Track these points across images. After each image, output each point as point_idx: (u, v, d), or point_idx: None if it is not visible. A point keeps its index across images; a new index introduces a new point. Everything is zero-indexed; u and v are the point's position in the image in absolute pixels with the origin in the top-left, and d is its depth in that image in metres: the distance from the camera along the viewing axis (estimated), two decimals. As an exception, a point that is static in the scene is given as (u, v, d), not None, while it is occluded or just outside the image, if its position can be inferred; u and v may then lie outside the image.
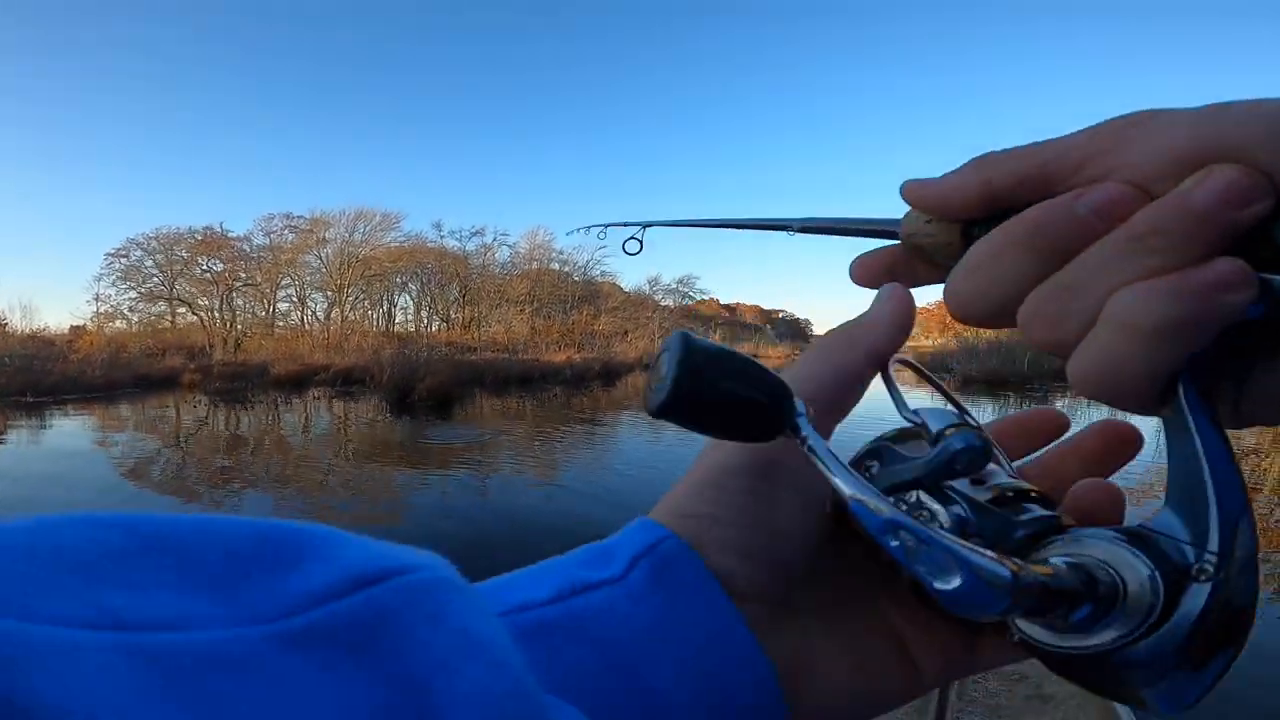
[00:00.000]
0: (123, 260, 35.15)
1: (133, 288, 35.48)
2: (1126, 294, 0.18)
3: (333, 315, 39.51)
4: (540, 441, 9.43)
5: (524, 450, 8.57)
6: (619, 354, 35.93)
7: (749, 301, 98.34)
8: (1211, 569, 0.17)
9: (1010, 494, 0.24)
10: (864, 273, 0.29)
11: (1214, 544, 0.18)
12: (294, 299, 40.66)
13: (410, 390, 14.10)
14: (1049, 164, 0.21)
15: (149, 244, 35.60)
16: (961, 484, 0.24)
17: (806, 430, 0.22)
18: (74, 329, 32.96)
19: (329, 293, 39.80)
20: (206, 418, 12.75)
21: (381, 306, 44.03)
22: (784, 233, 0.39)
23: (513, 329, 41.31)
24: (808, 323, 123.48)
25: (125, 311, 35.61)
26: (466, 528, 5.16)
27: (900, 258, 0.27)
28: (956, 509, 0.23)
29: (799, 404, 0.23)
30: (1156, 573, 0.18)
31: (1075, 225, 0.19)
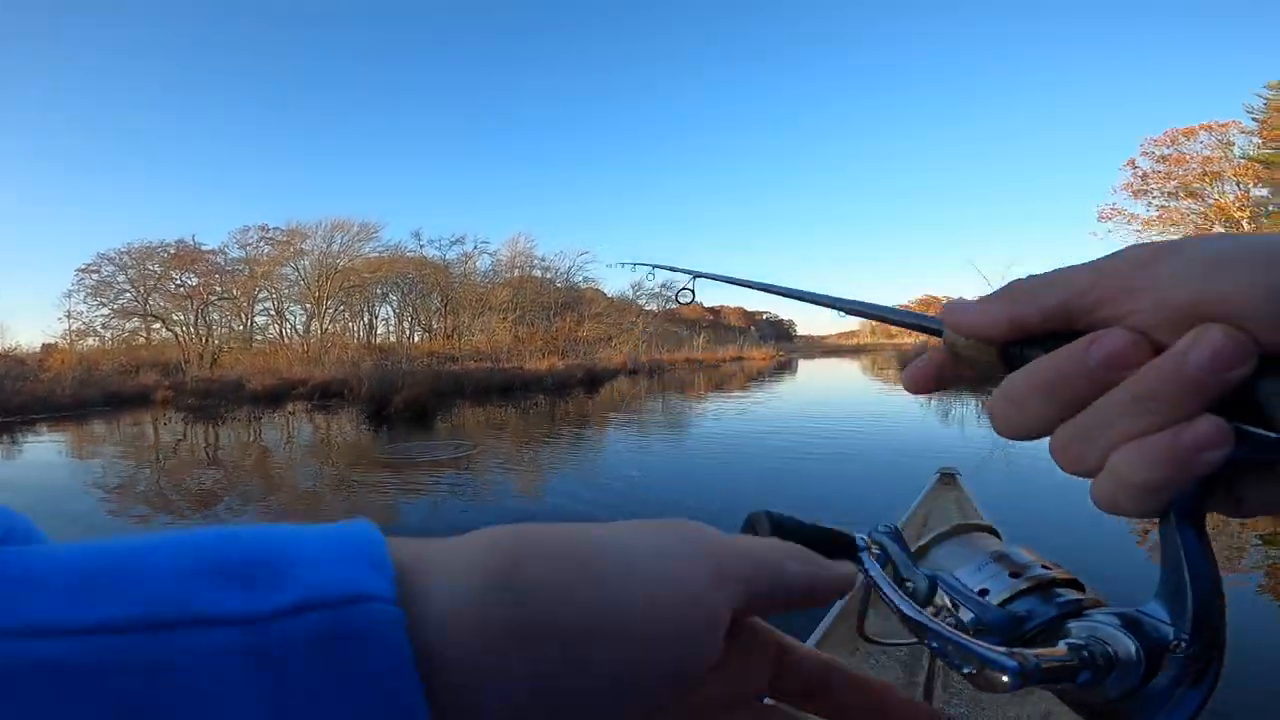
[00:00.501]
0: (94, 276, 34.45)
1: (104, 304, 34.77)
2: (1125, 452, 0.22)
3: (312, 328, 39.08)
4: (521, 451, 9.31)
5: (504, 460, 8.44)
6: (603, 360, 35.83)
7: (733, 304, 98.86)
8: (1185, 644, 0.22)
9: (1045, 582, 0.28)
10: (915, 382, 0.31)
11: (1188, 627, 0.22)
12: (272, 312, 40.12)
13: (387, 403, 13.90)
14: (1069, 302, 0.24)
15: (120, 259, 34.93)
16: (1003, 577, 0.29)
17: (868, 564, 0.30)
18: (46, 347, 32.25)
19: (307, 305, 39.36)
20: (182, 435, 12.47)
21: (362, 318, 43.57)
22: (833, 310, 0.43)
23: (495, 337, 41.02)
24: (791, 324, 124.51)
25: (98, 329, 34.88)
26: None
27: (947, 363, 0.30)
28: (975, 609, 0.29)
29: (860, 540, 0.30)
30: (1141, 649, 0.23)
31: (1088, 375, 0.23)
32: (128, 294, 35.10)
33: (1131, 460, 0.22)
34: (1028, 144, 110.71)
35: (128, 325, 35.49)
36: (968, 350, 0.28)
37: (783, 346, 79.93)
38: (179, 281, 36.09)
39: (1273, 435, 0.21)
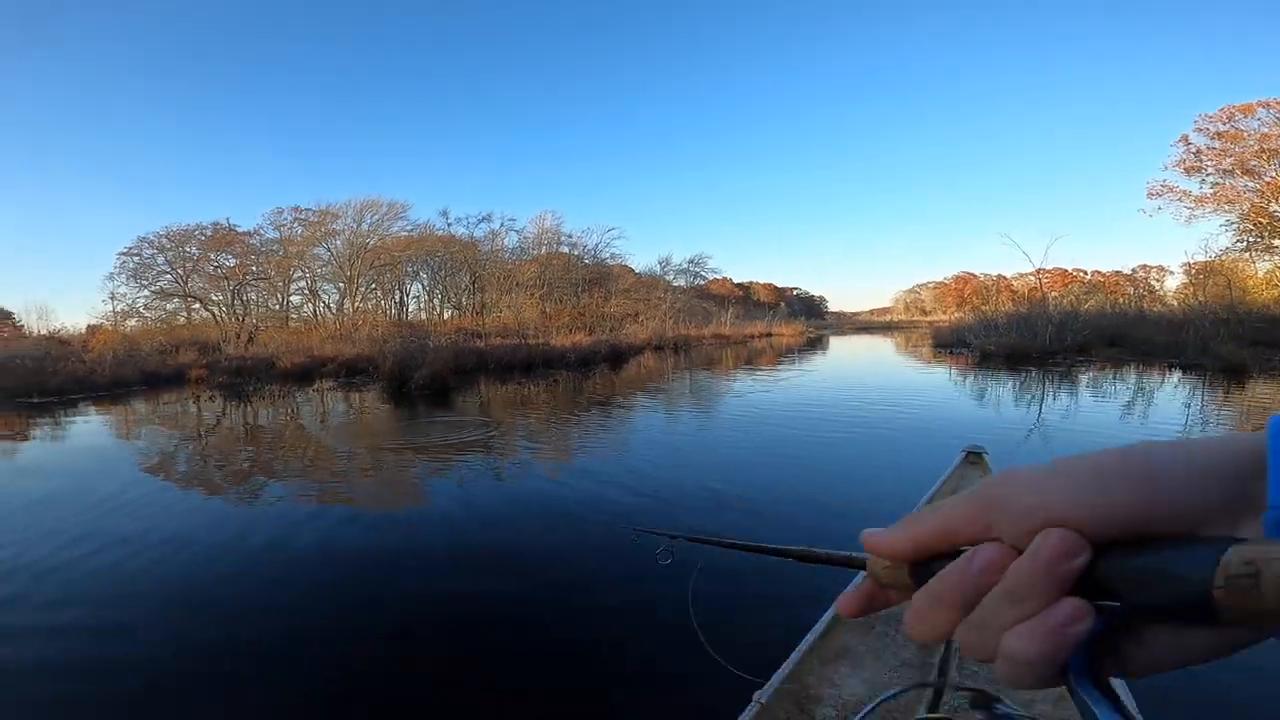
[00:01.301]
0: (135, 259, 35.44)
1: (145, 286, 35.80)
2: (1009, 638, 0.28)
3: (344, 306, 39.65)
4: (541, 426, 9.14)
5: (523, 435, 8.28)
6: (629, 336, 35.58)
7: (762, 280, 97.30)
8: None
9: None
10: (850, 606, 0.37)
11: None
12: (306, 291, 40.91)
13: (408, 380, 13.90)
14: (951, 525, 0.32)
15: (160, 242, 35.86)
16: None
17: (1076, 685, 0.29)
18: (90, 328, 33.36)
19: (340, 284, 39.93)
20: (210, 412, 12.66)
21: (394, 295, 44.11)
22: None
23: (523, 314, 41.05)
24: (823, 299, 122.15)
25: (140, 310, 36.00)
26: (470, 512, 4.92)
27: (874, 590, 0.36)
28: None
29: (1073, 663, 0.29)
30: None
31: (971, 582, 0.29)
32: (167, 276, 36.05)
33: (1016, 643, 0.28)
34: (1073, 118, 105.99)
35: (168, 306, 36.53)
36: (886, 575, 0.35)
37: (814, 323, 78.40)
38: (216, 263, 36.90)
39: (1117, 604, 0.27)
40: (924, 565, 0.33)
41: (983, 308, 34.02)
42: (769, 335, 49.35)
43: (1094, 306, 27.85)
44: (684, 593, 1.45)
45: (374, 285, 41.97)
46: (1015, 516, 0.29)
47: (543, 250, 47.95)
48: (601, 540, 4.30)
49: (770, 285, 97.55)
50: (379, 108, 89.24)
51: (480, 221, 46.28)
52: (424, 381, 13.79)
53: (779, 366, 19.61)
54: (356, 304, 39.94)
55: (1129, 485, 0.28)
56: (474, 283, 44.63)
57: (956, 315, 44.24)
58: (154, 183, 68.78)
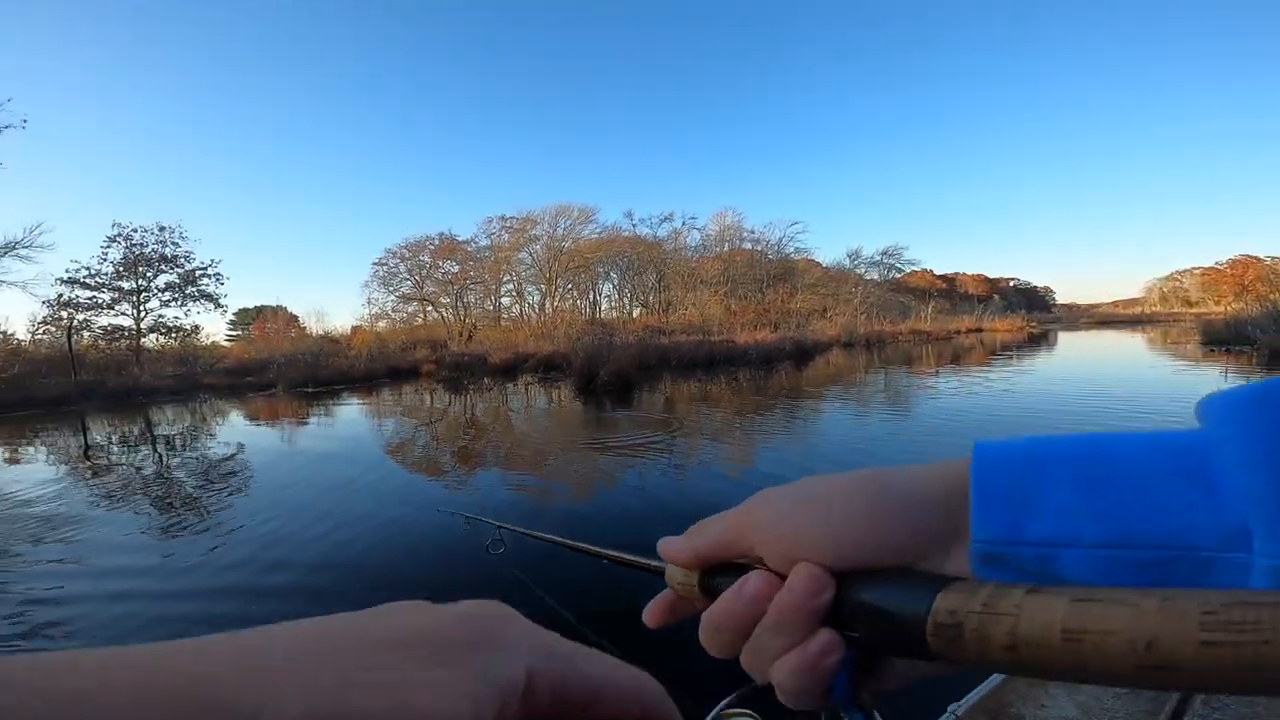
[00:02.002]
0: (383, 267, 42.18)
1: (392, 291, 42.45)
2: (776, 667, 0.29)
3: (544, 306, 43.33)
4: (721, 425, 9.09)
5: (701, 435, 8.30)
6: (816, 331, 34.13)
7: (970, 271, 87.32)
8: None
9: None
10: (653, 616, 0.38)
11: None
12: (513, 292, 45.56)
13: (594, 376, 14.69)
14: (725, 540, 0.33)
15: (401, 252, 42.22)
16: None
17: None
18: (354, 329, 40.44)
19: (541, 286, 43.70)
20: (432, 402, 14.62)
21: (588, 295, 47.26)
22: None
23: (707, 311, 41.40)
24: (1048, 290, 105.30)
25: (389, 312, 42.83)
26: (652, 506, 5.08)
27: (674, 600, 0.37)
28: None
29: None
30: None
31: (744, 609, 0.31)
32: (408, 282, 42.36)
33: (781, 672, 0.29)
34: None
35: (408, 308, 42.94)
36: (680, 586, 0.36)
37: (1037, 316, 68.33)
38: (444, 269, 42.53)
39: (855, 634, 0.28)
40: (710, 577, 0.34)
41: (1272, 296, 26.93)
42: (979, 331, 44.10)
43: None
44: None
45: (570, 286, 45.30)
46: (773, 544, 0.31)
47: (725, 247, 47.92)
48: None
49: (980, 276, 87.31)
50: (564, 115, 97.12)
51: (662, 221, 47.62)
52: (608, 378, 14.47)
53: (990, 365, 17.35)
54: (555, 304, 43.41)
55: (859, 517, 0.29)
56: (659, 281, 46.02)
57: (1234, 306, 35.76)
58: (402, 199, 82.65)
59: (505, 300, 45.49)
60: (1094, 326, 51.21)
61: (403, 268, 42.28)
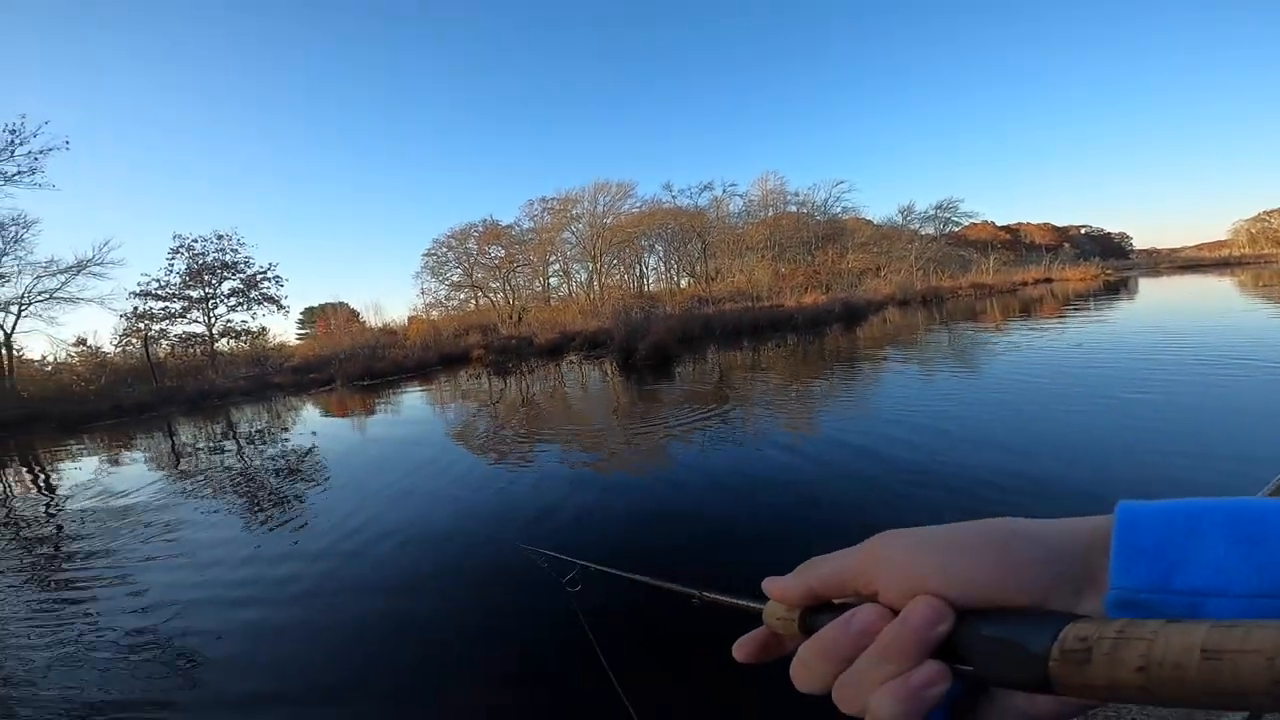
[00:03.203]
0: (433, 257, 43.18)
1: (443, 280, 43.47)
2: (877, 695, 0.30)
3: (591, 283, 43.42)
4: (769, 392, 8.86)
5: (757, 403, 8.11)
6: (869, 290, 32.96)
7: (1035, 220, 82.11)
8: None
9: None
10: (745, 652, 0.39)
11: None
12: (560, 272, 45.90)
13: (633, 350, 14.59)
14: (841, 578, 0.35)
15: (449, 241, 43.08)
16: None
17: None
18: (411, 319, 41.68)
19: (588, 264, 43.78)
20: (483, 388, 14.85)
21: (634, 270, 47.10)
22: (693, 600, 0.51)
23: (754, 277, 40.56)
24: (1123, 237, 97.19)
25: (442, 300, 43.95)
26: (677, 494, 4.97)
27: (768, 637, 0.38)
28: None
29: None
30: None
31: (849, 640, 0.32)
32: (458, 270, 43.26)
33: (881, 700, 0.30)
34: None
35: (460, 295, 43.91)
36: (780, 624, 0.37)
37: (1113, 264, 63.58)
38: (490, 254, 43.19)
39: (970, 669, 0.29)
40: (812, 615, 0.35)
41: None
42: (1048, 281, 41.50)
43: None
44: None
45: (615, 261, 45.21)
46: (893, 579, 0.32)
47: (769, 212, 46.67)
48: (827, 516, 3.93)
49: (1046, 225, 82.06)
50: (596, 91, 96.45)
51: (702, 190, 46.69)
52: (646, 352, 14.34)
53: (1064, 317, 16.28)
54: (602, 280, 43.43)
55: (988, 559, 0.30)
56: (704, 250, 45.34)
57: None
58: (448, 189, 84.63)
59: (553, 280, 45.93)
60: (1176, 271, 47.13)
61: (451, 256, 43.22)
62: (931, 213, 52.84)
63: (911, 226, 50.68)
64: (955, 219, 54.83)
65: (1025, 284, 39.73)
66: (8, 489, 8.24)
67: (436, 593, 3.61)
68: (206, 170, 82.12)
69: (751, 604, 0.40)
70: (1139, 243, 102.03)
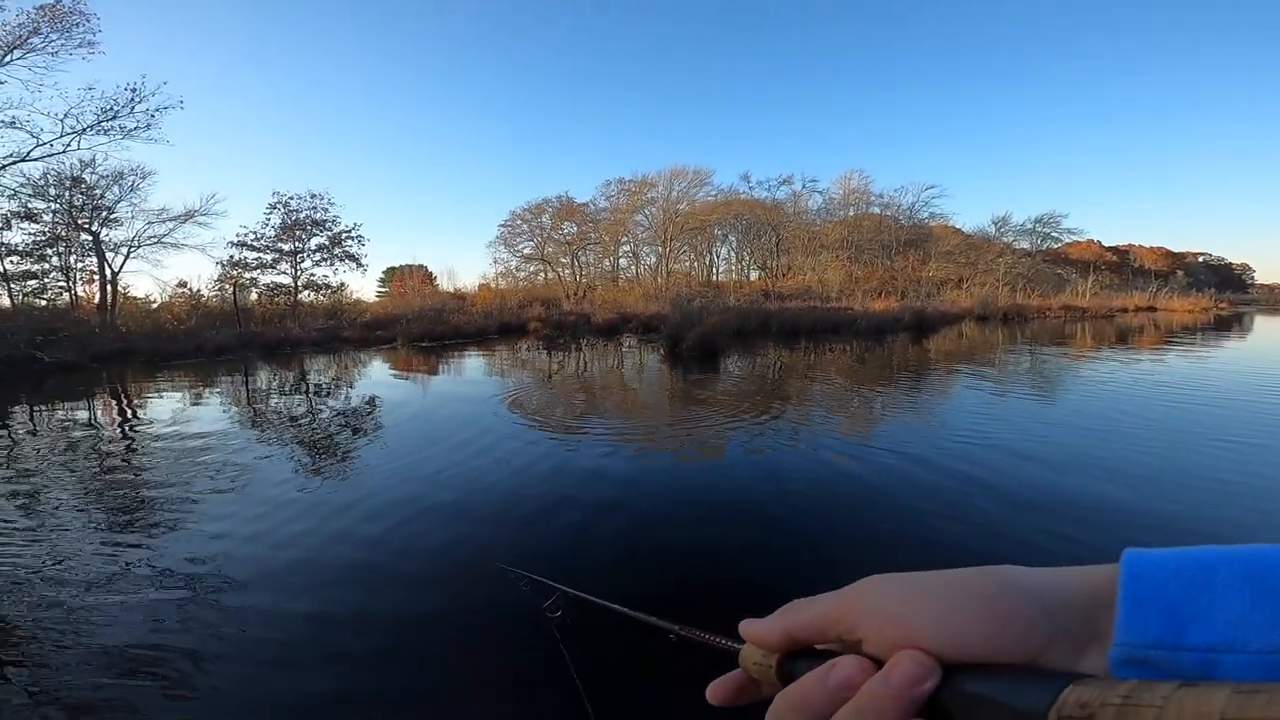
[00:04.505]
0: (507, 229, 44.24)
1: (515, 252, 44.51)
2: None
3: (659, 268, 43.42)
4: (811, 400, 8.57)
5: (788, 414, 7.90)
6: (948, 302, 31.36)
7: (1148, 243, 75.71)
8: None
9: None
10: (719, 694, 0.37)
11: None
12: (630, 254, 46.14)
13: (681, 339, 14.44)
14: (823, 624, 0.32)
15: (524, 214, 44.00)
16: None
17: None
18: (481, 286, 42.99)
19: (658, 247, 43.78)
20: (528, 360, 15.08)
21: (704, 258, 46.73)
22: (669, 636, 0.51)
23: (825, 276, 39.39)
24: (1244, 269, 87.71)
25: (513, 270, 45.07)
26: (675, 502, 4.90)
27: (744, 681, 0.37)
28: None
29: None
30: None
31: (826, 696, 0.30)
32: (530, 243, 44.18)
33: None
34: None
35: (530, 267, 44.87)
36: (756, 669, 0.35)
37: (1229, 296, 57.91)
38: (563, 231, 43.85)
39: None
40: (791, 661, 0.34)
41: None
42: (1150, 310, 38.23)
43: None
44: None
45: (685, 248, 44.95)
46: (877, 629, 0.30)
47: (850, 212, 45.04)
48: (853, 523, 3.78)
49: (1160, 249, 75.47)
50: (675, 80, 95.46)
51: (781, 184, 45.59)
52: (693, 343, 14.17)
53: (1166, 348, 14.86)
54: (671, 265, 43.34)
55: (982, 611, 0.28)
56: (778, 244, 44.38)
57: None
58: (529, 163, 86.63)
59: (623, 261, 46.21)
60: (1307, 310, 42.36)
61: (525, 228, 44.12)
62: (1029, 226, 49.62)
63: (1005, 239, 47.78)
64: (1055, 234, 51.29)
65: (1124, 310, 36.75)
66: (97, 418, 9.01)
67: (419, 600, 3.64)
68: (309, 135, 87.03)
69: (729, 644, 0.38)
70: (1262, 276, 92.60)
